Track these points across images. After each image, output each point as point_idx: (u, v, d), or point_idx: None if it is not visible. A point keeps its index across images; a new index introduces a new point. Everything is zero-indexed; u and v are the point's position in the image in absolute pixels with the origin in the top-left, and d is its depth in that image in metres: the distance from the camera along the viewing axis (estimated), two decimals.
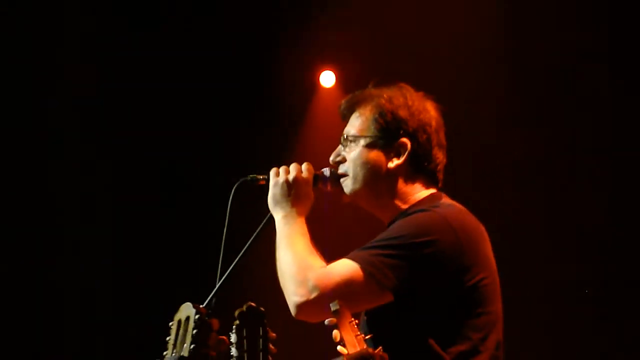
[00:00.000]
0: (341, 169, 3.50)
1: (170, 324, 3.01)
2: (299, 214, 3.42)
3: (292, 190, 3.43)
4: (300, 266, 3.26)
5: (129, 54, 7.28)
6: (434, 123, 3.47)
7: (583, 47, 6.84)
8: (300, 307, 3.20)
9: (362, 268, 3.18)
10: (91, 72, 7.26)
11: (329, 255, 3.32)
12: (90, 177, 7.33)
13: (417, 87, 3.53)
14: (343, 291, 3.10)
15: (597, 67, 6.87)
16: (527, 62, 6.88)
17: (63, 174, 7.31)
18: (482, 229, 3.38)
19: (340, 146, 3.52)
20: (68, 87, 7.26)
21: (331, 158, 3.53)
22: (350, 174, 3.47)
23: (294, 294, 3.22)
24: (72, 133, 7.33)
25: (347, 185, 3.48)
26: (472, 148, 6.11)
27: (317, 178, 3.51)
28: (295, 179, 3.45)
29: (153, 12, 7.44)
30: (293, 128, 7.24)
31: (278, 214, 3.44)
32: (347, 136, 3.50)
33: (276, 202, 3.45)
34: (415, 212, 3.35)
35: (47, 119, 7.31)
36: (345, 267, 3.20)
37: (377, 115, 3.46)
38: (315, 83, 7.39)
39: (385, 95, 3.48)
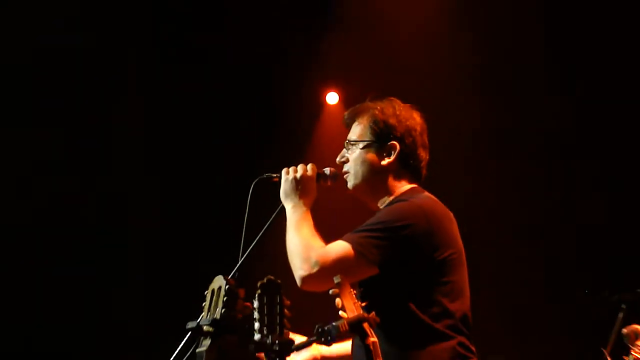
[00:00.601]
0: (345, 168, 3.56)
1: (206, 292, 3.02)
2: (305, 204, 3.46)
3: (300, 186, 3.48)
4: (305, 246, 3.31)
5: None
6: (418, 128, 3.54)
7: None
8: (304, 279, 3.26)
9: (353, 247, 3.24)
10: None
11: (328, 237, 3.36)
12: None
13: (405, 100, 3.59)
14: (338, 266, 3.16)
15: None
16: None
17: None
18: (451, 215, 3.45)
19: (344, 149, 3.57)
20: None
21: (337, 159, 3.58)
22: (352, 171, 3.53)
23: (299, 269, 3.28)
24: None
25: (350, 180, 3.54)
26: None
27: (319, 176, 3.55)
28: (302, 176, 3.50)
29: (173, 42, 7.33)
30: (305, 137, 7.32)
31: (288, 205, 3.48)
32: (349, 141, 3.57)
33: (286, 195, 3.49)
34: (396, 201, 3.43)
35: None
36: (340, 247, 3.26)
37: (371, 124, 3.52)
38: (322, 102, 7.45)
39: (378, 107, 3.54)
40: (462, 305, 3.35)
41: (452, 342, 3.27)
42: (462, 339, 3.30)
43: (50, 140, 6.99)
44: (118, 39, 7.10)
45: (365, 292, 3.28)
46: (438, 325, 3.26)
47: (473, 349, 3.32)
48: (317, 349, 3.62)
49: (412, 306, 3.25)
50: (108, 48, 7.08)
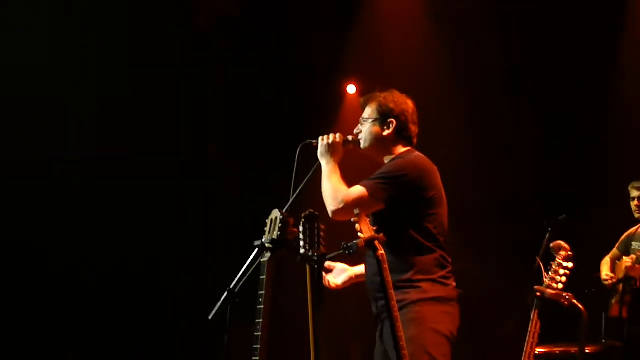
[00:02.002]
0: (360, 137, 3.49)
1: (266, 221, 3.00)
2: (335, 161, 3.38)
3: (331, 148, 3.40)
4: (334, 190, 3.25)
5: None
6: (410, 110, 3.46)
7: None
8: (334, 212, 3.21)
9: (367, 190, 3.20)
10: None
11: (350, 183, 3.30)
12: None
13: (402, 90, 3.53)
14: (357, 203, 3.10)
15: None
16: None
17: None
18: (435, 167, 3.38)
19: (359, 124, 3.51)
20: None
21: (354, 130, 3.51)
22: (363, 138, 3.47)
23: (330, 205, 3.22)
24: None
25: (362, 144, 3.48)
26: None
27: (345, 141, 3.46)
28: (333, 141, 3.41)
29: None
30: (334, 115, 7.20)
31: (323, 161, 3.40)
32: (362, 118, 3.51)
33: (322, 155, 3.42)
34: (396, 158, 3.38)
35: None
36: (358, 190, 3.21)
37: (378, 107, 3.46)
38: (343, 92, 7.35)
39: (383, 96, 3.48)
40: (443, 229, 3.31)
41: (436, 254, 3.25)
42: (442, 252, 3.28)
43: None
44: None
45: (377, 221, 3.21)
46: (427, 243, 3.23)
47: (449, 259, 3.30)
48: (352, 270, 3.56)
49: (410, 230, 3.22)
50: None
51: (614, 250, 5.85)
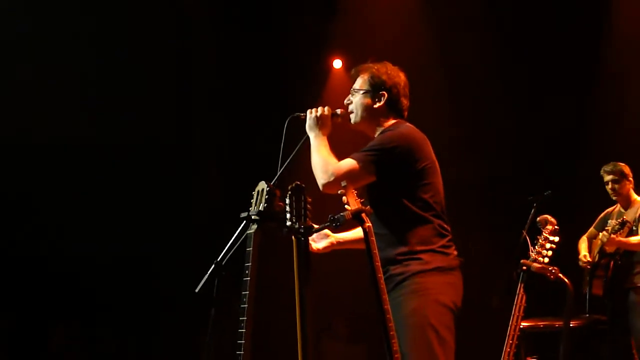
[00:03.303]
0: (350, 108, 3.43)
1: (253, 192, 2.98)
2: (324, 134, 3.34)
3: (319, 121, 3.35)
4: (324, 162, 3.21)
5: None
6: (402, 83, 3.41)
7: None
8: (324, 185, 3.16)
9: (357, 162, 3.16)
10: None
11: (339, 156, 3.27)
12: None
13: (393, 62, 3.48)
14: (347, 175, 3.08)
15: None
16: None
17: None
18: (426, 138, 3.33)
19: (349, 95, 3.45)
20: None
21: (345, 101, 3.46)
22: (354, 110, 3.42)
23: (320, 178, 3.18)
24: None
25: (353, 117, 3.43)
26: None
27: (333, 115, 3.41)
28: (321, 115, 3.37)
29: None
30: (317, 92, 7.12)
31: (311, 134, 3.36)
32: (353, 89, 3.45)
33: (310, 128, 3.37)
34: (386, 131, 3.33)
35: None
36: (349, 163, 3.17)
37: (369, 78, 3.40)
38: (329, 66, 7.30)
39: (375, 67, 3.42)
40: (439, 198, 3.26)
41: (434, 224, 3.19)
42: (440, 221, 3.22)
43: None
44: None
45: (372, 193, 3.21)
46: (423, 213, 3.18)
47: (448, 228, 3.26)
48: (334, 236, 3.53)
49: (405, 201, 3.17)
50: None
51: (591, 229, 5.88)
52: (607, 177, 5.76)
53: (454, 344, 3.05)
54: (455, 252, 3.21)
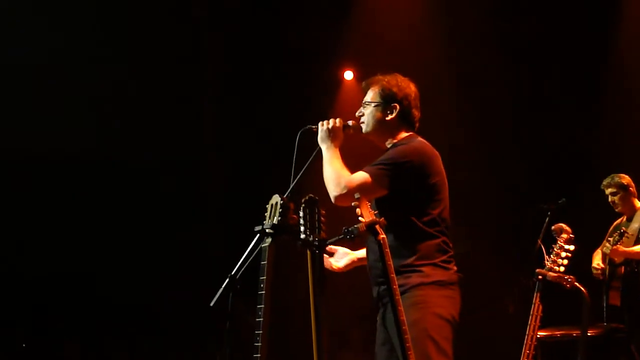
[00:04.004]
0: (361, 120, 3.45)
1: (266, 206, 2.99)
2: (336, 146, 3.35)
3: (331, 133, 3.36)
4: (336, 175, 3.22)
5: None
6: (413, 95, 3.43)
7: None
8: (336, 198, 3.17)
9: (370, 176, 3.17)
10: None
11: (352, 168, 3.28)
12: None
13: (404, 73, 3.50)
14: (360, 189, 3.08)
15: None
16: None
17: None
18: (437, 154, 3.35)
19: (361, 107, 3.47)
20: None
21: (356, 114, 3.48)
22: (365, 122, 3.44)
23: (333, 191, 3.19)
24: None
25: (364, 128, 3.45)
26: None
27: (345, 126, 3.42)
28: (333, 126, 3.37)
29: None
30: (331, 101, 7.15)
31: (323, 146, 3.37)
32: (365, 102, 3.46)
33: (322, 140, 3.38)
34: (399, 144, 3.35)
35: None
36: (361, 176, 3.18)
37: (380, 90, 3.42)
38: (341, 78, 7.31)
39: (386, 79, 3.43)
40: (445, 214, 3.28)
41: (438, 240, 3.22)
42: (445, 238, 3.25)
43: None
44: None
45: (380, 206, 3.22)
46: (429, 229, 3.20)
47: (451, 244, 3.29)
48: (353, 254, 3.52)
49: (413, 216, 3.19)
50: None
51: (604, 242, 5.83)
52: (607, 191, 5.76)
53: (453, 356, 3.08)
54: (455, 268, 3.24)
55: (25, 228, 6.11)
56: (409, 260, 3.15)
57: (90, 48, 6.17)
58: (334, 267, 3.51)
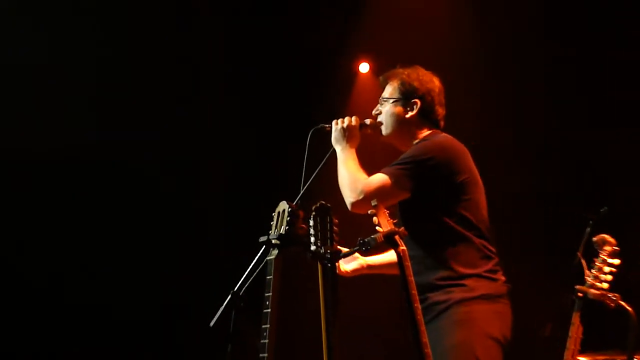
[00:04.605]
0: (379, 118, 3.47)
1: (273, 214, 2.99)
2: (351, 147, 3.38)
3: (346, 133, 3.39)
4: (352, 179, 3.23)
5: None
6: (436, 90, 3.43)
7: None
8: (353, 204, 3.19)
9: (390, 178, 3.16)
10: None
11: (370, 172, 3.28)
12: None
13: (427, 66, 3.50)
14: (378, 192, 3.09)
15: None
16: None
17: None
18: (465, 149, 3.33)
19: (378, 105, 3.48)
20: None
21: (373, 112, 3.48)
22: (384, 121, 3.45)
23: (349, 197, 3.20)
24: None
25: (383, 130, 3.45)
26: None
27: (362, 125, 3.44)
28: (348, 125, 3.40)
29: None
30: (345, 98, 7.05)
31: (338, 148, 3.39)
32: (382, 98, 3.48)
33: (336, 140, 3.41)
34: (420, 142, 3.35)
35: None
36: (379, 178, 3.18)
37: (400, 85, 3.43)
38: (355, 71, 7.25)
39: (405, 72, 3.45)
40: (481, 216, 3.25)
41: (477, 245, 3.18)
42: (485, 242, 3.21)
43: None
44: None
45: (404, 212, 3.22)
46: (465, 231, 3.17)
47: (493, 250, 3.23)
48: (363, 259, 3.54)
49: (444, 218, 3.16)
50: None
51: None
52: None
53: None
54: (503, 278, 3.19)
55: (23, 229, 6.24)
56: (448, 272, 3.12)
57: (90, 47, 6.32)
58: (341, 269, 3.50)
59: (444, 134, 3.36)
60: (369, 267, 3.53)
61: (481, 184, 3.30)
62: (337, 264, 3.25)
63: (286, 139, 5.59)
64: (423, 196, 3.16)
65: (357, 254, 3.49)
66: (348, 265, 3.51)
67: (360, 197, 3.14)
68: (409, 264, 2.80)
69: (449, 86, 3.51)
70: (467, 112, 5.75)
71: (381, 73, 3.55)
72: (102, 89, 6.33)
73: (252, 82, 6.83)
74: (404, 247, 2.80)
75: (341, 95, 7.03)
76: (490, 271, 3.16)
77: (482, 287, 3.10)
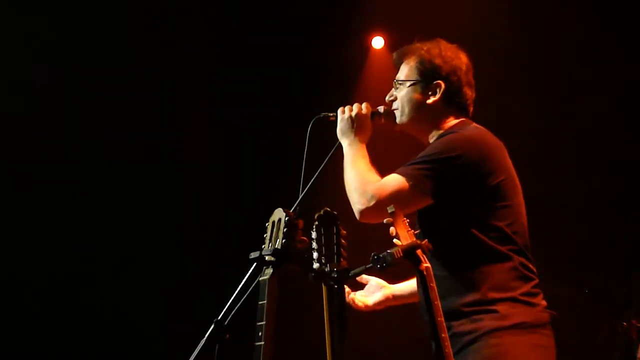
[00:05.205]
0: (394, 106, 3.41)
1: (266, 224, 2.92)
2: (361, 141, 3.33)
3: (355, 124, 3.35)
4: (361, 181, 3.18)
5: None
6: (463, 67, 3.37)
7: None
8: (362, 212, 3.12)
9: (407, 180, 3.10)
10: None
11: (383, 171, 3.22)
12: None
13: (451, 41, 3.42)
14: (394, 199, 3.02)
15: None
16: None
17: None
18: (501, 143, 3.28)
19: (393, 89, 3.43)
20: None
21: (386, 97, 3.43)
22: (400, 109, 3.39)
23: (357, 203, 3.14)
24: None
25: (399, 118, 3.40)
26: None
27: (374, 114, 3.40)
28: (357, 114, 3.36)
29: None
30: (354, 80, 7.04)
31: (344, 142, 3.35)
32: (397, 80, 3.43)
33: (343, 133, 3.36)
34: (446, 134, 3.28)
35: None
36: (395, 180, 3.12)
37: (418, 64, 3.38)
38: (368, 46, 7.19)
39: (425, 48, 3.39)
40: (520, 227, 3.19)
41: (514, 262, 3.11)
42: (523, 259, 3.13)
43: None
44: None
45: (424, 220, 3.16)
46: (499, 247, 3.10)
47: (534, 269, 3.16)
48: (390, 288, 3.53)
49: (473, 230, 3.09)
50: None
51: None
52: None
53: None
54: (544, 303, 3.13)
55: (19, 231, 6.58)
56: (476, 295, 3.06)
57: (86, 47, 6.60)
58: (359, 303, 3.50)
59: (474, 125, 3.29)
60: (396, 297, 3.51)
61: (520, 188, 3.24)
62: (345, 285, 3.24)
63: (283, 132, 5.56)
64: (448, 202, 3.11)
65: (381, 281, 3.50)
66: (370, 297, 3.50)
67: (371, 203, 3.10)
68: (435, 285, 2.74)
69: (480, 70, 3.45)
70: (500, 102, 5.77)
71: (402, 46, 3.49)
72: (102, 88, 6.65)
73: (244, 63, 6.90)
74: (428, 264, 2.74)
75: (349, 77, 6.99)
76: (528, 294, 3.10)
77: (517, 314, 3.05)
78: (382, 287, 3.51)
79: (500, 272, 3.08)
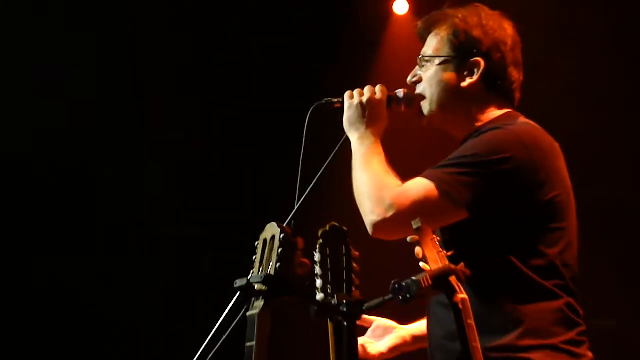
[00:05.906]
0: (418, 89, 3.35)
1: (256, 243, 2.87)
2: (374, 134, 3.26)
3: (367, 112, 3.28)
4: (376, 185, 3.12)
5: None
6: (509, 41, 3.29)
7: None
8: (377, 225, 3.07)
9: (437, 186, 3.03)
10: None
11: (404, 174, 3.15)
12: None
13: (494, 8, 3.35)
14: (419, 209, 2.96)
15: None
16: None
17: None
18: (557, 146, 3.21)
19: (417, 67, 3.36)
20: None
21: (408, 79, 3.37)
22: (427, 95, 3.32)
23: (371, 213, 3.08)
24: None
25: (425, 107, 3.33)
26: None
27: (391, 99, 3.33)
28: (369, 100, 3.28)
29: None
30: (370, 55, 7.07)
31: (353, 136, 3.28)
32: (422, 56, 3.36)
33: (351, 124, 3.29)
34: (489, 130, 3.19)
35: None
36: (421, 186, 3.06)
37: (451, 36, 3.31)
38: (389, 11, 7.17)
39: (459, 15, 3.31)
40: (571, 257, 3.14)
41: (559, 303, 3.08)
42: (570, 299, 3.10)
43: None
44: None
45: (452, 239, 3.02)
46: (543, 281, 3.06)
47: (581, 312, 3.12)
48: (407, 330, 3.49)
49: (512, 257, 3.04)
50: None
51: None
52: None
53: None
54: (590, 355, 3.11)
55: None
56: (508, 338, 3.02)
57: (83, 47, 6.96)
58: (371, 351, 3.45)
59: (523, 119, 3.24)
60: (415, 339, 3.47)
61: (574, 205, 3.20)
62: (358, 321, 3.10)
63: (280, 125, 5.47)
64: (485, 219, 3.05)
65: (391, 322, 3.49)
66: (382, 342, 3.46)
67: (389, 213, 3.04)
68: (473, 322, 2.65)
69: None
70: (542, 98, 5.70)
71: (430, 12, 3.44)
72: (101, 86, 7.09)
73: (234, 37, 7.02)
74: (465, 296, 2.67)
75: (363, 51, 7.01)
76: (571, 342, 3.07)
77: None
78: (392, 328, 3.49)
79: (541, 312, 3.05)
